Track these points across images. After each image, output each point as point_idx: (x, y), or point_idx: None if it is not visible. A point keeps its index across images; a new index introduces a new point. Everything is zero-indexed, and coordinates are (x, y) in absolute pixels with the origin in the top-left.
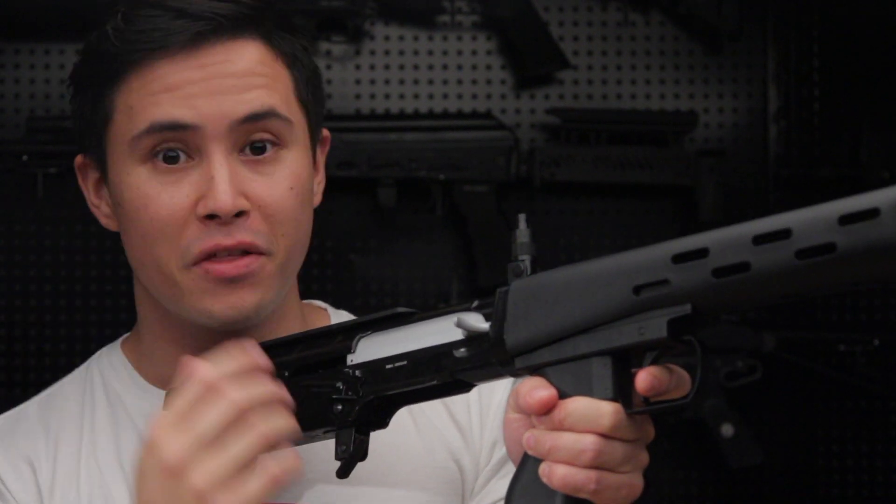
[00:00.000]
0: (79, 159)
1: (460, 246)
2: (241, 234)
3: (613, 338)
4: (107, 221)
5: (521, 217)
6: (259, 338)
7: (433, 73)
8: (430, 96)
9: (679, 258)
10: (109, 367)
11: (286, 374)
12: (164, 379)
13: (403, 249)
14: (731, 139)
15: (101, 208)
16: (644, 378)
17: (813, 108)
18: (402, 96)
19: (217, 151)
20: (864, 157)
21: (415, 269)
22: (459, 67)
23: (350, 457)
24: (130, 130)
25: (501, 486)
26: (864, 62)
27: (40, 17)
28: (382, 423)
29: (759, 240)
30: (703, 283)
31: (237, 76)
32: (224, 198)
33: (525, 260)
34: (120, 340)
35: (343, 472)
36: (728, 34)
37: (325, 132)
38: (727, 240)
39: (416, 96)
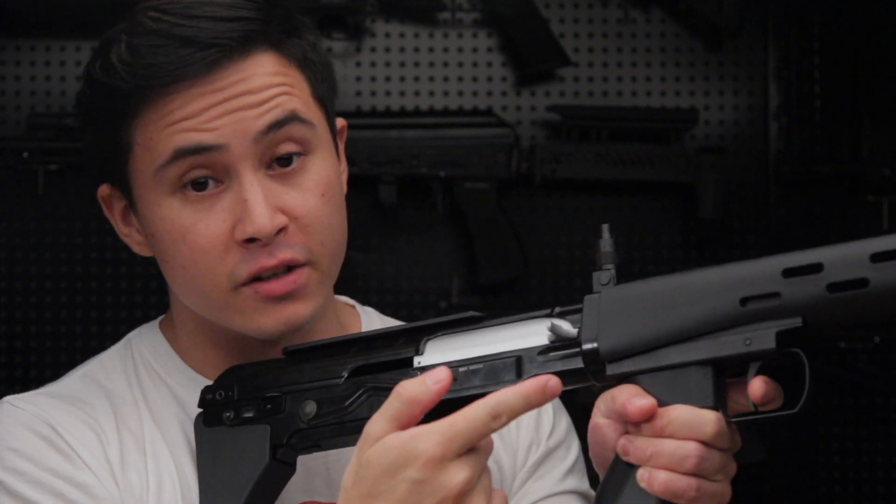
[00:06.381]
0: (104, 189)
1: (461, 243)
2: (282, 253)
3: (717, 348)
4: (139, 248)
5: (605, 227)
6: (300, 339)
7: (434, 71)
8: (431, 93)
9: (790, 272)
10: (152, 351)
11: (344, 374)
12: (207, 369)
13: (404, 246)
14: (731, 136)
15: (131, 236)
16: (758, 386)
17: (814, 104)
18: (402, 93)
19: (246, 170)
20: (866, 153)
21: (415, 266)
22: (460, 64)
23: None
24: (154, 161)
25: (538, 487)
26: (864, 59)
27: (41, 14)
28: None
29: (879, 257)
30: (816, 297)
31: (255, 92)
32: (262, 220)
33: (611, 269)
34: (157, 323)
35: None
36: (729, 31)
37: (341, 121)
38: (843, 256)
39: (417, 93)
